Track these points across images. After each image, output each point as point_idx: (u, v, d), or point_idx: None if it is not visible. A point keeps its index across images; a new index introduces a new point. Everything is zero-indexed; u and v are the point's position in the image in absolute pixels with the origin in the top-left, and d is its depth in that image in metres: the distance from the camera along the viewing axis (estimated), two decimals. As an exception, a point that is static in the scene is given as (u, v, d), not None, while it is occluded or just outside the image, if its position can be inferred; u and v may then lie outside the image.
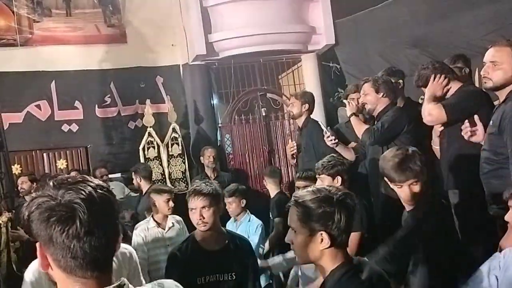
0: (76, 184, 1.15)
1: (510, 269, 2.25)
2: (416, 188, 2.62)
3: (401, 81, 4.39)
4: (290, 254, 3.69)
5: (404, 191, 2.64)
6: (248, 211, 4.68)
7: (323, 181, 3.46)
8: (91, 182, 1.18)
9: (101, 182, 1.20)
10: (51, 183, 1.16)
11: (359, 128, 4.08)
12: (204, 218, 2.85)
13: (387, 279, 1.96)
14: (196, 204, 2.87)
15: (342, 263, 1.83)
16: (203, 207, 2.85)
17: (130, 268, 2.71)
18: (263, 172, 5.82)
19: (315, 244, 1.80)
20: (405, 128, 3.84)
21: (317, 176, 3.59)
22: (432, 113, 3.44)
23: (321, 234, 1.79)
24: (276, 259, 3.75)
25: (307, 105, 4.96)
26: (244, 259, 2.93)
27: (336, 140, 4.40)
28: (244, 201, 4.64)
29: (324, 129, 4.52)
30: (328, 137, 4.41)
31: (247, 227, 4.51)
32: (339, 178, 3.51)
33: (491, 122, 3.02)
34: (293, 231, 1.87)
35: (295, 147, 5.07)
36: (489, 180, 3.02)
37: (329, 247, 1.79)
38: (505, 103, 2.96)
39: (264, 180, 5.55)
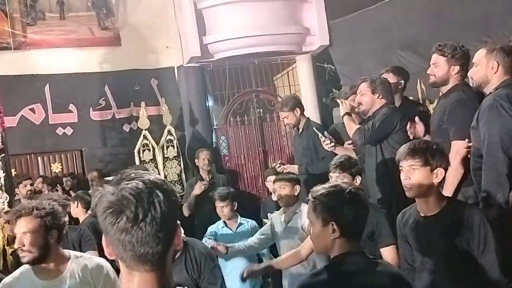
0: (133, 180, 1.20)
1: None
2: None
3: (403, 81, 4.40)
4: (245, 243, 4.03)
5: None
6: (238, 215, 4.70)
7: (343, 180, 3.27)
8: (147, 178, 1.20)
9: (158, 178, 1.22)
10: (114, 178, 1.22)
11: (351, 127, 4.09)
12: None
13: (407, 281, 2.03)
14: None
15: (351, 251, 1.96)
16: None
17: (102, 282, 2.63)
18: (266, 172, 5.77)
19: (327, 234, 1.98)
20: (397, 126, 3.84)
21: (333, 174, 3.40)
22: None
23: (332, 224, 1.96)
24: (236, 246, 3.97)
25: (298, 109, 4.98)
26: (197, 270, 2.84)
27: (333, 144, 4.38)
28: (236, 204, 4.66)
29: (320, 134, 4.50)
30: (324, 141, 4.39)
31: (245, 233, 4.52)
32: (359, 178, 3.44)
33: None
34: (310, 222, 2.10)
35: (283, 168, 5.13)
36: (478, 176, 3.03)
37: (339, 237, 1.96)
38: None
39: (266, 181, 5.52)
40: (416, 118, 3.78)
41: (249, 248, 4.10)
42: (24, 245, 2.50)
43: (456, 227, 2.44)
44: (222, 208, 4.59)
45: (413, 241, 2.62)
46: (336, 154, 4.32)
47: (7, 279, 2.65)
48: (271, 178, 5.10)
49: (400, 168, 2.59)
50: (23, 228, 2.51)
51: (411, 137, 3.69)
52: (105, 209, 1.18)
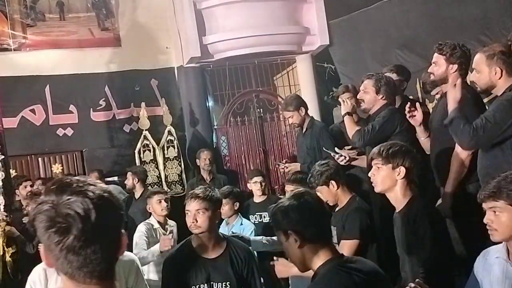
0: (78, 193, 1.13)
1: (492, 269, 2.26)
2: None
3: (405, 82, 4.39)
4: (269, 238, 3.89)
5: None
6: (240, 214, 4.68)
7: (322, 193, 3.40)
8: (92, 192, 1.14)
9: (103, 190, 1.16)
10: (54, 187, 1.15)
11: (351, 128, 4.06)
12: (197, 221, 2.84)
13: (383, 274, 2.05)
14: (191, 207, 2.87)
15: (329, 259, 1.95)
16: (198, 210, 2.84)
17: (134, 276, 2.73)
18: (249, 174, 5.73)
19: (293, 246, 1.98)
20: (397, 129, 3.82)
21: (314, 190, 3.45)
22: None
23: (291, 234, 1.98)
24: (257, 238, 3.91)
25: (302, 109, 4.95)
26: (242, 268, 2.89)
27: (348, 158, 4.34)
28: (238, 204, 4.64)
29: (332, 153, 4.42)
30: (338, 158, 4.34)
31: (240, 230, 4.50)
32: (333, 182, 3.47)
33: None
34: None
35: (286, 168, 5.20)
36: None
37: (304, 245, 1.96)
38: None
39: (248, 182, 5.43)
40: (417, 104, 3.75)
41: (272, 243, 4.08)
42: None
43: (408, 222, 2.66)
44: (223, 206, 4.58)
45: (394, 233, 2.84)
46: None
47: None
48: (257, 179, 5.10)
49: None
50: None
51: (410, 121, 3.71)
52: (49, 226, 1.11)
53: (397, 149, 2.72)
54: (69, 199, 1.11)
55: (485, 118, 2.96)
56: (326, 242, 2.00)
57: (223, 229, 4.55)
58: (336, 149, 4.45)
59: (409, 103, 3.75)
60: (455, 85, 3.12)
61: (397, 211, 2.77)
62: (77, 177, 1.19)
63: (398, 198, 2.73)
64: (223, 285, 2.82)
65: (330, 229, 2.15)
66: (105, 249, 1.14)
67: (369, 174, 2.80)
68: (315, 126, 4.95)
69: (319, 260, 1.95)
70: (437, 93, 3.93)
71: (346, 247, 3.21)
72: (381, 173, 2.72)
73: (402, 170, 2.68)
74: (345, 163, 4.30)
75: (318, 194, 3.38)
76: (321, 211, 2.06)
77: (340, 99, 4.41)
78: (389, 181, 2.71)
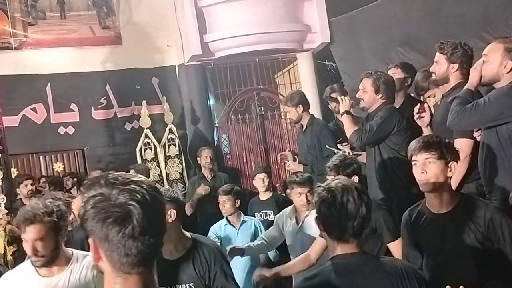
0: (128, 184, 1.21)
1: None
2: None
3: (410, 79, 4.37)
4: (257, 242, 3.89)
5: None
6: (241, 213, 4.69)
7: None
8: (143, 182, 1.23)
9: (151, 182, 1.26)
10: (102, 181, 1.21)
11: (350, 128, 4.03)
12: None
13: (414, 270, 2.00)
14: None
15: (342, 253, 1.93)
16: None
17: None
18: (254, 170, 5.73)
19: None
20: (395, 128, 3.80)
21: (328, 176, 3.32)
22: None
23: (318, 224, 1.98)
24: (252, 245, 3.89)
25: (301, 106, 4.94)
26: (206, 267, 2.77)
27: (351, 154, 4.32)
28: (239, 201, 4.64)
29: (335, 150, 4.41)
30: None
31: (249, 230, 4.50)
32: (356, 178, 3.33)
33: None
34: None
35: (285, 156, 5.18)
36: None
37: (328, 236, 1.95)
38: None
39: (254, 179, 5.41)
40: (425, 105, 3.69)
41: (265, 246, 4.03)
42: (38, 251, 2.47)
43: (471, 224, 2.42)
44: (224, 203, 4.59)
45: (425, 239, 2.58)
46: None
47: (6, 275, 2.66)
48: (260, 176, 5.11)
49: (413, 163, 2.52)
50: (35, 235, 2.46)
51: (418, 122, 3.60)
52: (107, 217, 1.18)
53: (448, 142, 2.48)
54: (122, 189, 1.20)
55: (477, 102, 2.90)
56: (350, 237, 1.94)
57: (229, 228, 4.55)
58: (338, 145, 4.45)
59: (419, 104, 3.64)
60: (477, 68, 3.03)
61: (438, 212, 2.50)
62: (115, 172, 1.27)
63: (448, 197, 2.48)
64: (187, 286, 2.73)
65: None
66: (158, 235, 1.24)
67: (417, 171, 2.48)
68: (315, 123, 4.95)
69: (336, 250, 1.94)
70: (428, 96, 3.92)
71: (396, 248, 3.09)
72: (434, 169, 2.42)
73: (454, 165, 2.45)
74: None
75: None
76: (345, 208, 1.95)
77: (338, 98, 4.38)
78: (442, 178, 2.43)
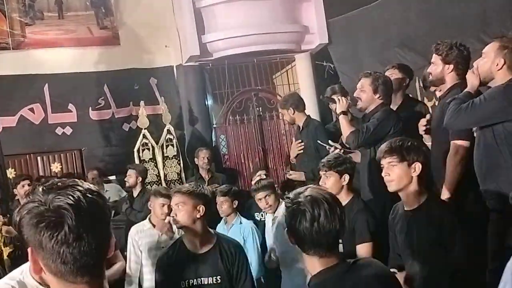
0: (65, 188, 1.15)
1: None
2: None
3: (408, 79, 4.38)
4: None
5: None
6: (238, 213, 4.69)
7: (329, 179, 3.30)
8: (81, 186, 1.17)
9: (91, 186, 1.19)
10: (40, 188, 1.16)
11: (346, 129, 4.02)
12: (175, 215, 2.86)
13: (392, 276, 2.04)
14: (173, 202, 2.93)
15: (319, 270, 1.87)
16: (176, 204, 2.86)
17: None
18: (254, 168, 5.75)
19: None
20: (391, 130, 3.79)
21: (322, 173, 3.39)
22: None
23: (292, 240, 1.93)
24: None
25: (291, 109, 4.93)
26: (232, 262, 2.88)
27: (342, 150, 4.34)
28: (236, 202, 4.64)
29: (327, 146, 4.45)
30: (333, 151, 4.34)
31: (240, 229, 4.50)
32: (347, 176, 3.35)
33: None
34: None
35: (302, 146, 4.97)
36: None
37: (303, 251, 1.90)
38: None
39: (253, 178, 5.44)
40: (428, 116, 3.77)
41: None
42: None
43: (429, 222, 2.57)
44: (222, 203, 4.59)
45: (398, 233, 2.73)
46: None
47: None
48: (261, 172, 5.15)
49: (381, 166, 2.71)
50: None
51: (421, 133, 3.69)
52: (39, 222, 1.12)
53: (410, 144, 2.61)
54: (58, 193, 1.13)
55: (473, 101, 2.91)
56: (327, 249, 1.87)
57: (222, 229, 4.55)
58: (330, 142, 4.48)
59: (425, 121, 3.68)
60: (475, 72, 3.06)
61: (408, 209, 2.66)
62: (58, 179, 1.21)
63: (414, 196, 2.62)
64: (213, 280, 2.82)
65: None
66: (97, 242, 1.15)
67: (383, 174, 2.67)
68: (310, 124, 4.96)
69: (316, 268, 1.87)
70: (435, 90, 3.92)
71: (363, 251, 3.13)
72: (397, 171, 2.60)
73: (418, 166, 2.58)
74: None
75: (323, 179, 3.36)
76: (317, 220, 1.85)
77: (335, 98, 4.37)
78: (405, 179, 2.60)
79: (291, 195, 1.93)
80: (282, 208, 3.79)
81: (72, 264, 1.13)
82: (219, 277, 2.83)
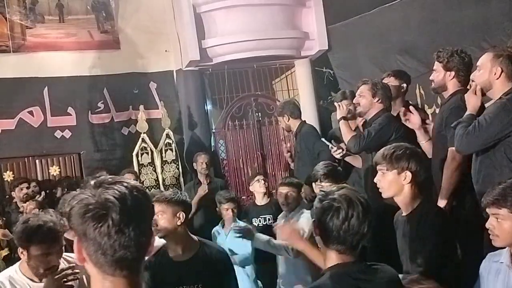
0: (114, 184, 1.22)
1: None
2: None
3: (405, 85, 4.39)
4: (278, 241, 3.71)
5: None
6: (236, 218, 4.73)
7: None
8: (128, 183, 1.24)
9: (137, 184, 1.26)
10: (92, 182, 1.23)
11: (347, 133, 4.07)
12: (156, 225, 2.78)
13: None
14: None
15: (337, 263, 1.91)
16: (156, 214, 2.78)
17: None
18: (252, 173, 5.76)
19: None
20: (393, 136, 3.82)
21: (316, 184, 3.51)
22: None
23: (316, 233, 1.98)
24: (264, 237, 3.78)
25: (286, 116, 5.06)
26: (215, 269, 2.82)
27: (344, 152, 4.36)
28: (236, 208, 4.70)
29: (329, 144, 4.47)
30: (335, 151, 4.37)
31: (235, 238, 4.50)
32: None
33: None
34: None
35: (289, 148, 5.25)
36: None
37: (325, 246, 1.94)
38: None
39: (251, 184, 5.43)
40: (411, 107, 3.84)
41: (277, 247, 3.90)
42: None
43: (417, 228, 2.60)
44: (228, 211, 4.66)
45: (398, 239, 2.78)
46: (332, 158, 4.33)
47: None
48: (260, 177, 5.17)
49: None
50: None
51: (408, 124, 3.80)
52: (86, 212, 1.19)
53: (401, 153, 2.63)
54: (107, 188, 1.21)
55: (478, 122, 2.94)
56: (349, 247, 1.92)
57: (221, 236, 4.56)
58: (332, 141, 4.52)
59: (403, 108, 3.83)
60: (475, 92, 3.09)
61: (402, 214, 2.71)
62: (109, 176, 1.29)
63: (407, 202, 2.66)
64: (196, 287, 2.77)
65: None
66: (138, 238, 1.20)
67: (375, 180, 2.73)
68: (303, 129, 4.99)
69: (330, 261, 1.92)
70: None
71: None
72: (387, 179, 2.65)
73: (408, 174, 2.60)
74: (341, 156, 4.38)
75: (317, 189, 3.43)
76: (346, 219, 1.92)
77: (335, 104, 4.41)
78: (395, 186, 2.64)
79: (326, 190, 2.02)
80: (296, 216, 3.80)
81: (111, 256, 1.18)
82: (201, 285, 2.77)
